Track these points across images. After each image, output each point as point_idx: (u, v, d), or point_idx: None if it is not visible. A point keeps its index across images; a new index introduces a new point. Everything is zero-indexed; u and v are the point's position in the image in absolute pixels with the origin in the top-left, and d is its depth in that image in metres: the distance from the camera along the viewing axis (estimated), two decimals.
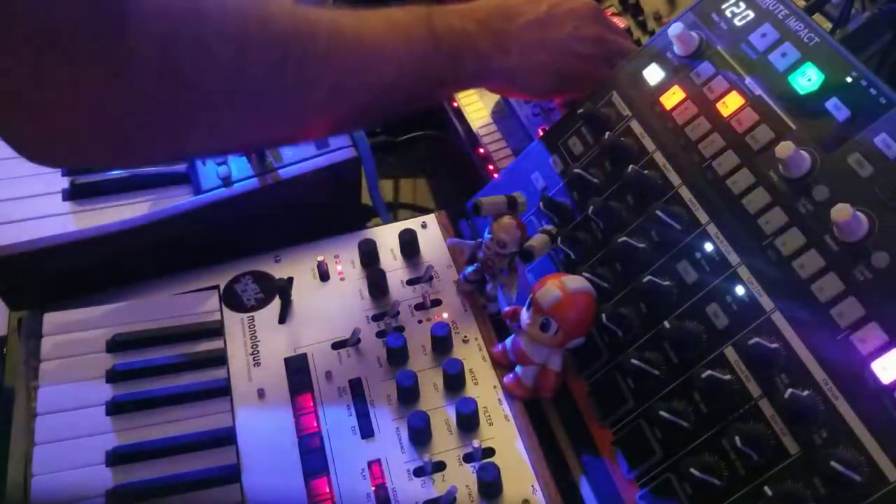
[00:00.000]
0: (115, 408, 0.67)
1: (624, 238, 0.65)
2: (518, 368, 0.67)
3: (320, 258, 0.76)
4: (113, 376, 0.69)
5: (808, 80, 0.62)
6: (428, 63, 0.68)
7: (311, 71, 0.60)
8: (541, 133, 0.87)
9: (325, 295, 0.75)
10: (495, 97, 0.95)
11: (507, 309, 0.70)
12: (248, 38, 0.55)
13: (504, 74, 0.74)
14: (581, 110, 0.76)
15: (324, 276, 0.76)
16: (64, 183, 0.80)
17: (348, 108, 0.65)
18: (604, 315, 0.64)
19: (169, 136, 0.56)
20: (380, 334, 0.71)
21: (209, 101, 0.55)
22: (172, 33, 0.51)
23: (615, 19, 0.93)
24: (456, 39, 0.69)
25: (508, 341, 0.68)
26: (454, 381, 0.67)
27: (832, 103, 0.60)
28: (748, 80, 0.66)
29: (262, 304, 0.75)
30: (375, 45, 0.64)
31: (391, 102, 0.69)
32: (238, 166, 0.79)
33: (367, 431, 0.65)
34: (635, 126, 0.71)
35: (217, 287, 0.76)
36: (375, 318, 0.73)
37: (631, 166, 0.68)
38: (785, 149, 0.58)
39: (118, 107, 0.50)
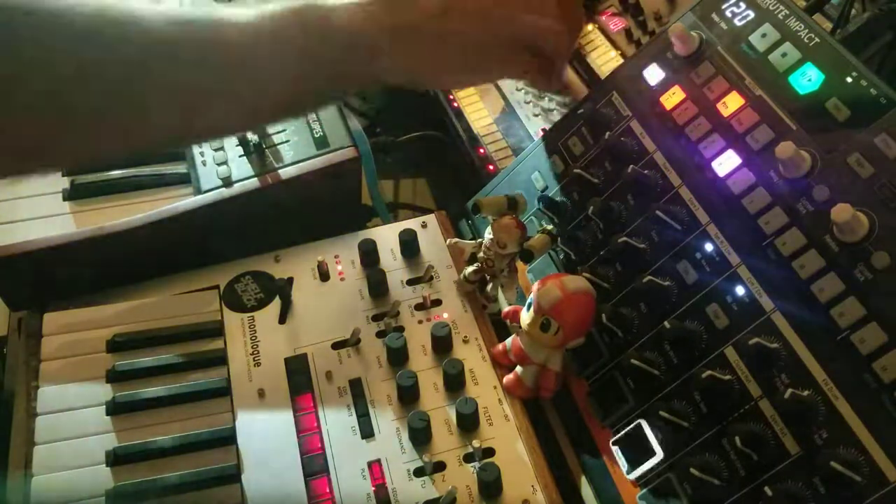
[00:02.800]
0: (115, 408, 0.67)
1: (624, 238, 0.65)
2: (518, 368, 0.67)
3: (320, 258, 0.76)
4: (113, 376, 0.69)
5: (808, 80, 0.62)
6: (308, 67, 0.61)
7: (181, 76, 0.56)
8: (541, 133, 0.87)
9: (325, 295, 0.75)
10: (496, 98, 0.96)
11: (507, 309, 0.70)
12: (111, 40, 0.53)
13: (403, 73, 0.66)
14: (581, 110, 0.76)
15: (324, 276, 0.76)
16: (64, 183, 0.80)
17: (229, 114, 0.61)
18: (604, 315, 0.64)
19: (59, 147, 0.55)
20: (380, 334, 0.71)
21: (82, 104, 0.53)
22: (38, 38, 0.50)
23: (615, 19, 0.93)
24: (339, 39, 0.61)
25: (508, 341, 0.68)
26: (454, 381, 0.67)
27: (832, 103, 0.60)
28: (748, 80, 0.66)
29: (262, 304, 0.75)
30: (247, 52, 0.59)
31: (283, 106, 0.64)
32: (238, 166, 0.79)
33: (367, 431, 0.65)
34: (635, 126, 0.71)
35: (217, 287, 0.76)
36: (375, 318, 0.73)
37: (631, 166, 0.68)
38: (785, 149, 0.58)
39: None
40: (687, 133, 0.67)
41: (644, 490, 0.59)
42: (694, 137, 0.66)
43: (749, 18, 0.68)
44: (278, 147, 0.80)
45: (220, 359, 0.71)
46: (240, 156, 0.80)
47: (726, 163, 0.64)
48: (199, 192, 0.78)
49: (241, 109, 0.61)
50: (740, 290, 0.59)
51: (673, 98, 0.69)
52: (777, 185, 0.60)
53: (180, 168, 0.82)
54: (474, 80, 0.73)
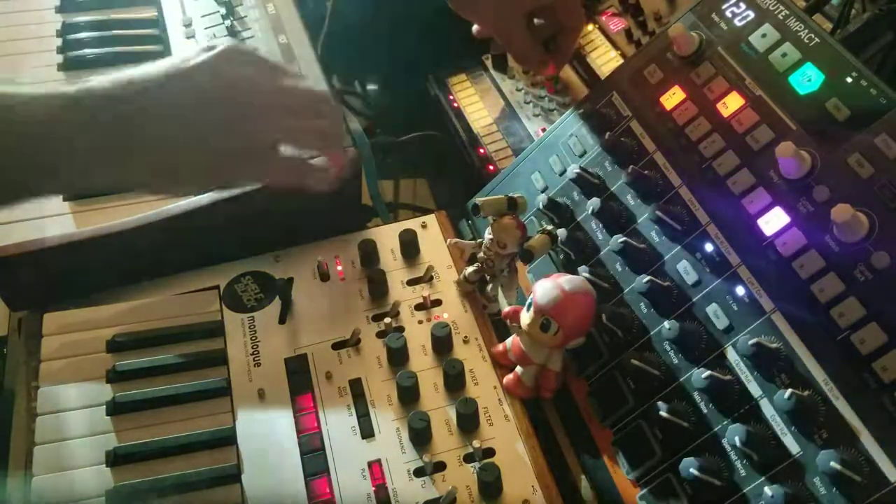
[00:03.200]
0: (115, 408, 0.67)
1: (624, 238, 0.65)
2: (518, 368, 0.67)
3: (320, 258, 0.76)
4: (113, 376, 0.69)
5: (808, 80, 0.62)
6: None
7: None
8: (541, 133, 0.87)
9: (325, 295, 0.75)
10: (497, 98, 0.96)
11: (507, 309, 0.70)
12: None
13: (125, 187, 0.61)
14: (581, 110, 0.76)
15: (324, 276, 0.76)
16: None
17: None
18: (604, 315, 0.64)
19: None
20: (380, 334, 0.71)
21: None
22: None
23: (615, 19, 0.93)
24: (16, 134, 0.54)
25: (508, 341, 0.68)
26: (454, 381, 0.67)
27: (832, 103, 0.60)
28: (748, 80, 0.66)
29: (262, 304, 0.75)
30: None
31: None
32: None
33: (367, 431, 0.65)
34: (635, 126, 0.71)
35: (217, 287, 0.76)
36: (375, 318, 0.73)
37: (631, 166, 0.68)
38: (785, 149, 0.58)
39: None
40: (687, 133, 0.67)
41: (644, 490, 0.59)
42: (694, 138, 0.66)
43: (749, 18, 0.68)
44: None
45: (220, 359, 0.71)
46: None
47: (726, 163, 0.64)
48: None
49: None
50: (740, 290, 0.59)
51: (673, 98, 0.69)
52: (777, 186, 0.60)
53: None
54: (228, 184, 0.67)
